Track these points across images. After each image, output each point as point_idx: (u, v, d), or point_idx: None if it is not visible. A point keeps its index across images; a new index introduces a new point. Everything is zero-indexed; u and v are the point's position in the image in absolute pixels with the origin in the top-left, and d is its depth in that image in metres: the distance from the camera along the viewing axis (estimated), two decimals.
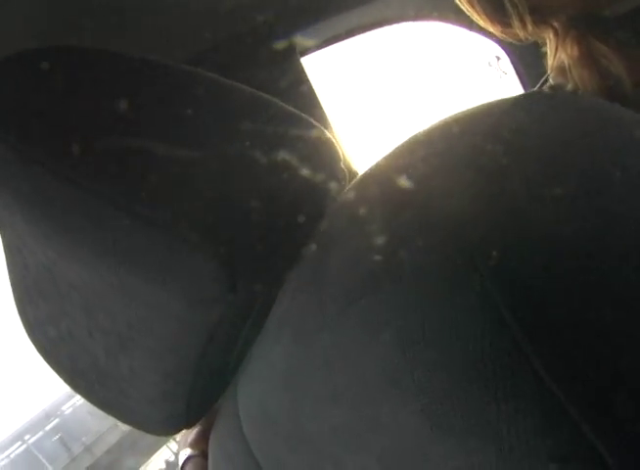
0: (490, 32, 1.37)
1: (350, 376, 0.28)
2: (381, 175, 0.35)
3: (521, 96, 0.35)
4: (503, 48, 1.40)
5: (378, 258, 0.28)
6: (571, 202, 0.27)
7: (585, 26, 0.82)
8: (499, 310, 0.23)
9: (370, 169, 0.37)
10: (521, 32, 0.84)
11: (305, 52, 1.13)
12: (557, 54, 0.88)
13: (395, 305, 0.26)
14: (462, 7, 0.88)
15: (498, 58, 1.43)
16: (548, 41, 0.90)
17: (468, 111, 0.35)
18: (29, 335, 0.59)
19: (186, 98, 0.43)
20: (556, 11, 0.76)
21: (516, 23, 0.80)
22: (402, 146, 0.34)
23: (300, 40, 1.05)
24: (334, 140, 0.46)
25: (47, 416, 12.39)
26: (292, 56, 1.04)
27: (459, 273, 0.25)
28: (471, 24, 1.40)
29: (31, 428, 12.09)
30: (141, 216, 0.37)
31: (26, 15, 0.74)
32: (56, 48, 0.46)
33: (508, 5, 0.76)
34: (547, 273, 0.24)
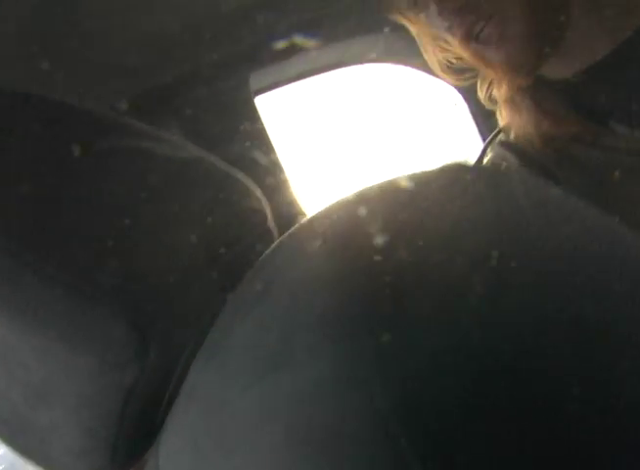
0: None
1: (245, 463, 0.27)
2: (298, 239, 0.34)
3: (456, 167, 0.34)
4: (461, 95, 1.43)
5: (278, 338, 0.27)
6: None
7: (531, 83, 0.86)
8: (386, 421, 0.23)
9: (292, 231, 0.36)
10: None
11: (260, 91, 1.13)
12: (489, 89, 0.92)
13: (288, 396, 0.25)
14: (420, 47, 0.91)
15: (456, 104, 1.46)
16: (480, 78, 0.94)
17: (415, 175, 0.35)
18: None
19: (106, 154, 0.42)
20: None
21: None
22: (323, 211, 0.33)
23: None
24: (261, 198, 0.45)
25: None
26: (245, 95, 1.04)
27: (348, 371, 0.24)
28: (429, 68, 1.44)
29: None
30: (48, 275, 0.36)
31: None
32: None
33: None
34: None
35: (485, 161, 0.93)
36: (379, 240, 0.27)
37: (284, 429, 0.25)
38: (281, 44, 1.04)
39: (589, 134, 0.79)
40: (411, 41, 1.24)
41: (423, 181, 0.32)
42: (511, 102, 0.86)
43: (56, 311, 0.37)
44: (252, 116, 1.03)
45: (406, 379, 0.23)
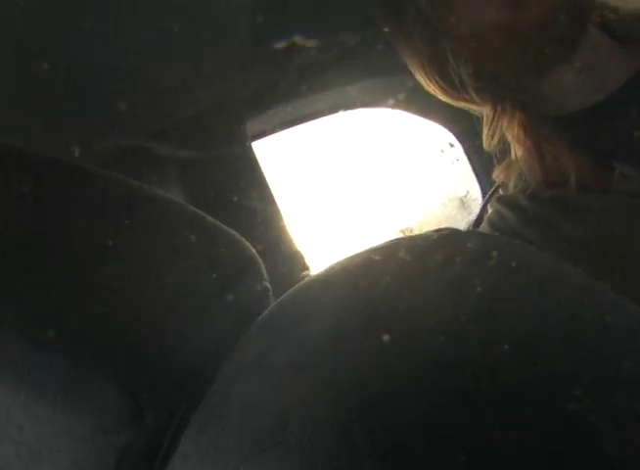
0: (444, 120, 1.42)
1: None
2: (294, 307, 0.34)
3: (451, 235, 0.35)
4: (456, 136, 1.44)
5: (273, 414, 0.27)
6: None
7: (536, 118, 0.86)
8: None
9: (283, 299, 0.36)
10: (467, 100, 0.88)
11: (257, 136, 1.14)
12: (492, 128, 0.92)
13: None
14: (418, 78, 0.92)
15: (451, 145, 1.47)
16: (485, 117, 0.94)
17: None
18: None
19: (104, 209, 0.42)
20: (496, 77, 0.81)
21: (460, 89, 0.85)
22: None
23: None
24: (257, 257, 0.46)
25: None
26: (242, 141, 1.05)
27: (340, 446, 0.24)
28: (425, 112, 1.45)
29: None
30: (43, 342, 0.36)
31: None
32: None
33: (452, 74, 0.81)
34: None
35: (485, 217, 0.94)
36: (377, 309, 0.27)
37: None
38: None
39: (593, 180, 0.79)
40: (404, 86, 1.26)
41: (418, 251, 0.32)
42: (536, 146, 0.86)
43: (51, 376, 0.37)
44: (250, 163, 1.04)
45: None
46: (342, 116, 1.33)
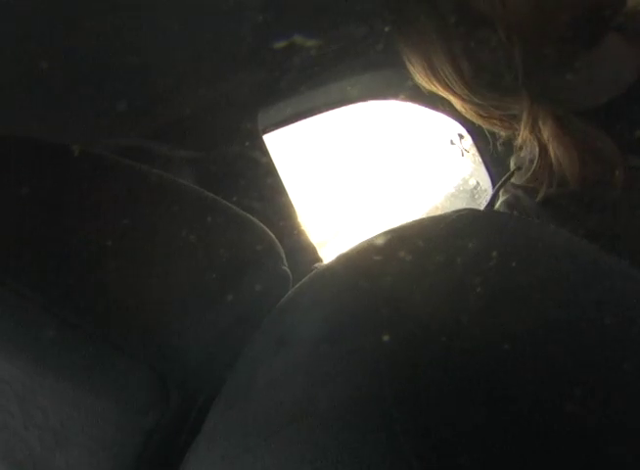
0: (454, 111, 1.41)
1: None
2: (316, 291, 0.35)
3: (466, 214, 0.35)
4: (465, 127, 1.44)
5: (302, 388, 0.28)
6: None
7: (572, 113, 0.85)
8: (408, 459, 0.23)
9: (305, 281, 0.37)
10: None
11: (269, 129, 1.15)
12: (527, 130, 0.91)
13: (312, 442, 0.26)
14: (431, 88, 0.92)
15: (461, 136, 1.47)
16: (523, 120, 0.93)
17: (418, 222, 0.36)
18: None
19: (124, 197, 0.43)
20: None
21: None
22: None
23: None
24: (276, 241, 0.46)
25: None
26: (254, 134, 1.06)
27: (372, 416, 0.25)
28: (435, 104, 1.45)
29: None
30: (71, 323, 0.37)
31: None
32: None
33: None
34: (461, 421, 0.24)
35: (499, 202, 0.93)
36: (393, 290, 0.28)
37: None
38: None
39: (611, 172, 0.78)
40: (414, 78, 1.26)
41: (435, 229, 0.33)
42: (568, 134, 0.85)
43: (79, 358, 0.38)
44: (254, 160, 1.05)
45: (424, 417, 0.24)
46: (350, 109, 1.34)
